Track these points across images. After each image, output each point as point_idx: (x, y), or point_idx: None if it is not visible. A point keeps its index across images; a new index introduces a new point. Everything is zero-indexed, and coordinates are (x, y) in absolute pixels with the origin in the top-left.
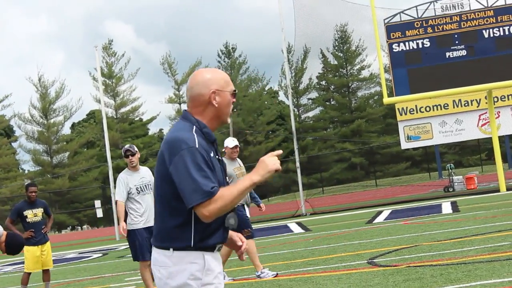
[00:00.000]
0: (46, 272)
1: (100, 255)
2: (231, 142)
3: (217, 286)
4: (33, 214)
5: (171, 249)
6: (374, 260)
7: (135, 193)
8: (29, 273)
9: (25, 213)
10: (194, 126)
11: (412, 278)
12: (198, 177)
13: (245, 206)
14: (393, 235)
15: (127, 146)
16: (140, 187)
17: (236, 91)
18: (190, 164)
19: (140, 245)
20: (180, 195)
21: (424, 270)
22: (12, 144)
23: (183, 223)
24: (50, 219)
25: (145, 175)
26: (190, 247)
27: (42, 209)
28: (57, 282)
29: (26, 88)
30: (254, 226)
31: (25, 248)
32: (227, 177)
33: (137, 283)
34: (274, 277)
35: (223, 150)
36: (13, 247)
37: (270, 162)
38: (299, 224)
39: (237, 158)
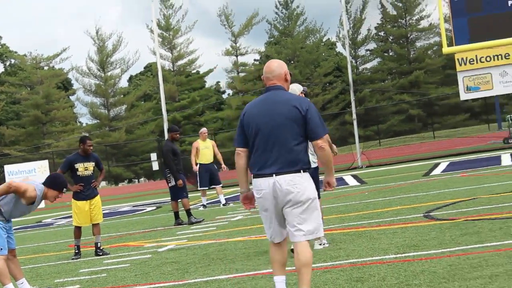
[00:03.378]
0: (95, 226)
1: (154, 208)
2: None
3: None
4: (84, 168)
5: (301, 171)
6: (430, 214)
7: None
8: (80, 227)
9: (77, 165)
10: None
11: (469, 232)
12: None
13: None
14: (451, 187)
15: None
16: None
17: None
18: (318, 113)
19: None
20: (303, 133)
21: (482, 224)
22: (70, 97)
23: (305, 153)
24: (102, 173)
25: None
26: (309, 169)
27: (93, 163)
28: (109, 235)
29: (83, 41)
30: None
31: (74, 202)
32: None
33: (189, 237)
34: None
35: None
36: (57, 184)
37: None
38: (354, 176)
39: None
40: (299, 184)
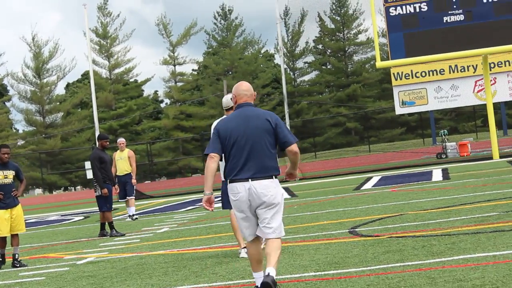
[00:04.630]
0: (14, 237)
1: (82, 218)
2: None
3: None
4: (4, 176)
5: (273, 177)
6: (356, 230)
7: None
8: (5, 237)
9: None
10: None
11: (392, 250)
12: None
13: None
14: (379, 202)
15: None
16: None
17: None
18: (285, 124)
19: None
20: (274, 143)
21: (406, 241)
22: (5, 103)
23: (276, 160)
24: (22, 184)
25: None
26: (278, 175)
27: (13, 172)
28: (31, 246)
29: (19, 47)
30: None
31: None
32: None
33: (111, 249)
34: None
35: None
36: None
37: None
38: (286, 189)
39: None
40: (271, 188)
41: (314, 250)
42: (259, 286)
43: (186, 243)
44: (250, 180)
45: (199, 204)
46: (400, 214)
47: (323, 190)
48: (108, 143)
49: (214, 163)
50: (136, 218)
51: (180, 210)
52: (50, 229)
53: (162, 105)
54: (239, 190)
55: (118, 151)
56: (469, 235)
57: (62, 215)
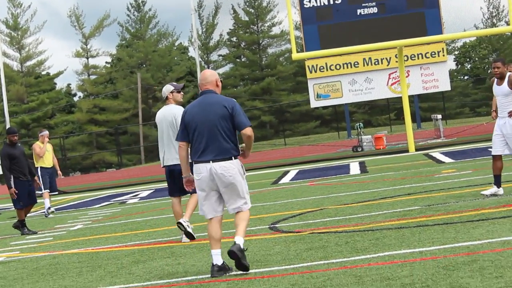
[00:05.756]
0: None
1: None
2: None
3: None
4: None
5: (232, 158)
6: (276, 225)
7: None
8: None
9: None
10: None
11: (315, 246)
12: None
13: None
14: (298, 197)
15: None
16: None
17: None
18: (241, 109)
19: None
20: (233, 128)
21: (329, 237)
22: None
23: (236, 143)
24: None
25: None
26: (237, 156)
27: None
28: None
29: None
30: (150, 186)
31: None
32: None
33: (22, 248)
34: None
35: (168, 96)
36: None
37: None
38: None
39: None
40: (230, 169)
41: None
42: (215, 263)
43: (101, 241)
44: (211, 161)
45: (114, 199)
46: (321, 208)
47: None
48: (16, 137)
49: (183, 151)
50: (49, 214)
51: (94, 206)
52: None
53: (75, 98)
54: (201, 170)
55: (39, 142)
56: (392, 230)
57: None
